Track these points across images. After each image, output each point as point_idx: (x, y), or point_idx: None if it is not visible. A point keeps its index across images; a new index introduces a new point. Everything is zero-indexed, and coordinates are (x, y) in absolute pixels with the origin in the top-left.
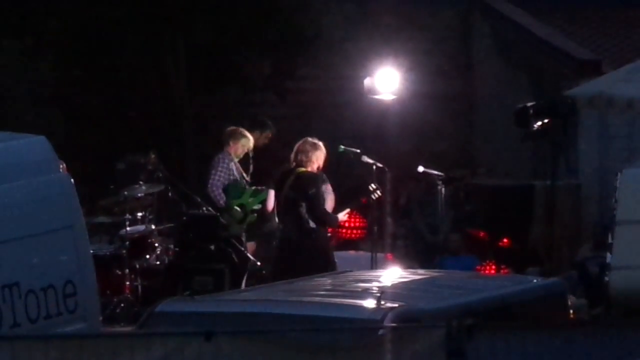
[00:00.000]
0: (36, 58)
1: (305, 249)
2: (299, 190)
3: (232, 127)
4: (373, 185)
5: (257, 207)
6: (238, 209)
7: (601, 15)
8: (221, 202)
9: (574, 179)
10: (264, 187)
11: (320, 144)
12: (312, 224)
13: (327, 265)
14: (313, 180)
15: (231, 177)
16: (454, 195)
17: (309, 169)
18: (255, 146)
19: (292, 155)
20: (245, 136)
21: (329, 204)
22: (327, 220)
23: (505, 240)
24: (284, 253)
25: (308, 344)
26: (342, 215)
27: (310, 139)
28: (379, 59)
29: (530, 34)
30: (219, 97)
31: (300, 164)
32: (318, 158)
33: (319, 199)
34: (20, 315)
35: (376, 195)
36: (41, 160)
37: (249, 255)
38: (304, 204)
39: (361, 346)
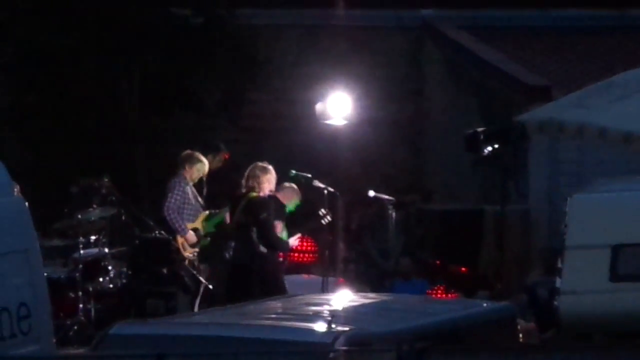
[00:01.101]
0: None
1: (256, 273)
2: (250, 215)
3: (188, 151)
4: (323, 210)
5: (211, 230)
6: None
7: (551, 42)
8: (176, 225)
9: (523, 204)
10: (217, 211)
11: (270, 167)
12: (262, 249)
13: (277, 290)
14: (264, 205)
15: (186, 201)
16: (404, 219)
17: (260, 194)
18: (209, 170)
19: (243, 181)
20: (200, 160)
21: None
22: (277, 245)
23: (455, 264)
24: (235, 277)
25: None
26: (293, 240)
27: (260, 164)
28: (330, 83)
29: (480, 60)
30: (171, 121)
31: (251, 188)
32: (269, 182)
33: (270, 223)
34: None
35: (326, 220)
36: None
37: (201, 278)
38: (254, 229)
39: None
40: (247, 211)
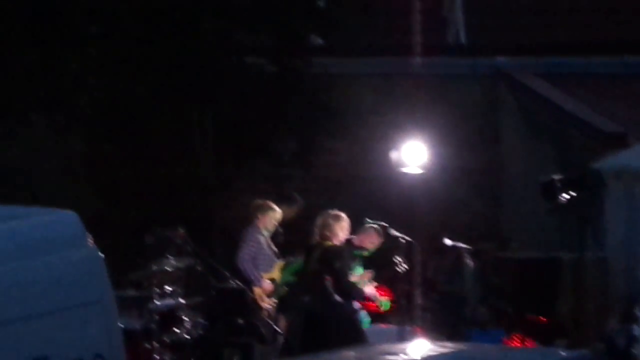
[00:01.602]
0: (66, 133)
1: (332, 323)
2: (325, 264)
3: (260, 201)
4: (398, 258)
5: (290, 279)
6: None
7: (627, 88)
8: (250, 275)
9: (600, 252)
10: (294, 259)
11: (343, 215)
12: (337, 298)
13: (356, 338)
14: (338, 253)
15: (261, 250)
16: (481, 268)
17: (334, 242)
18: (283, 220)
19: (316, 230)
20: (273, 209)
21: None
22: (353, 293)
23: (532, 312)
24: (310, 327)
25: None
26: (368, 289)
27: (332, 212)
28: (405, 132)
29: (556, 107)
30: (246, 171)
31: (325, 237)
32: (342, 230)
33: (345, 272)
34: None
35: (402, 269)
36: (71, 235)
37: (277, 328)
38: (329, 278)
39: None
40: (322, 260)
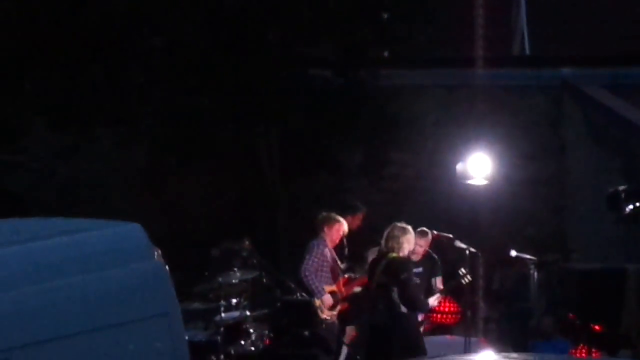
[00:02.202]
0: (131, 146)
1: (397, 334)
2: (391, 275)
3: (325, 213)
4: (463, 270)
5: (357, 290)
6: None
7: None
8: (312, 287)
9: None
10: (357, 276)
11: (409, 228)
12: (403, 309)
13: (418, 350)
14: (404, 265)
15: (325, 263)
16: (546, 279)
17: (400, 254)
18: (348, 231)
19: (383, 242)
20: (338, 221)
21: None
22: (418, 305)
23: (597, 323)
24: (375, 338)
25: None
26: (433, 300)
27: (399, 224)
28: (470, 143)
29: (622, 118)
30: (312, 183)
31: (391, 249)
32: (408, 242)
33: (410, 283)
34: None
35: (466, 280)
36: (136, 248)
37: (343, 340)
38: (395, 289)
39: None
40: (388, 271)
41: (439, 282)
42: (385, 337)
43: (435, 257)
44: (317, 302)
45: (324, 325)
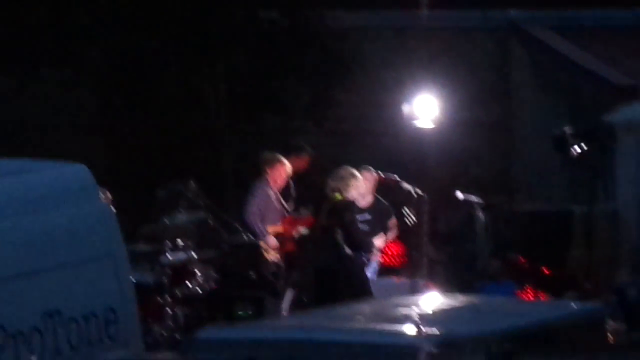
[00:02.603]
0: (76, 87)
1: (343, 276)
2: (335, 217)
3: (269, 154)
4: (406, 209)
5: (304, 231)
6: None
7: (639, 41)
8: (256, 229)
9: (612, 204)
10: (301, 215)
11: (357, 173)
12: (348, 251)
13: (364, 291)
14: (348, 207)
15: (269, 204)
16: (492, 221)
17: (346, 197)
18: (294, 171)
19: (328, 184)
20: (281, 161)
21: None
22: (363, 246)
23: (543, 265)
24: (321, 280)
25: None
26: (379, 241)
27: (346, 167)
28: (417, 85)
29: (568, 60)
30: (258, 124)
31: (336, 191)
32: (356, 187)
33: (355, 225)
34: (62, 342)
35: (410, 220)
36: (82, 189)
37: (288, 282)
38: (340, 231)
39: None
40: (332, 213)
41: (392, 225)
42: (331, 279)
43: (384, 201)
44: (262, 244)
45: (270, 267)
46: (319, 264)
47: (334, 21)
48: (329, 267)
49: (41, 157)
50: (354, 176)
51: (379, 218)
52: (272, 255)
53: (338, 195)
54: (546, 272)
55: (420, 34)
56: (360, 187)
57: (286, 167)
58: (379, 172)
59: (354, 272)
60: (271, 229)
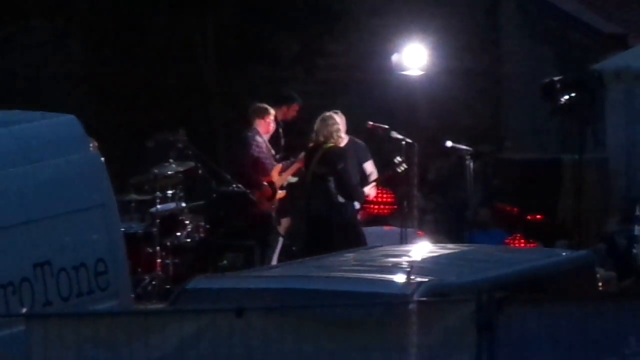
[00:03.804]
0: (66, 38)
1: (334, 224)
2: (327, 165)
3: (257, 104)
4: (399, 158)
5: (293, 180)
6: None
7: None
8: (249, 178)
9: (601, 153)
10: (291, 161)
11: (340, 114)
12: (340, 199)
13: (356, 240)
14: (341, 155)
15: (260, 154)
16: (482, 169)
17: (337, 144)
18: (284, 120)
19: (315, 132)
20: (269, 111)
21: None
22: (355, 194)
23: (533, 213)
24: (313, 229)
25: (338, 319)
26: (369, 189)
27: (333, 114)
28: (406, 35)
29: (556, 8)
30: (247, 74)
31: (327, 139)
32: (339, 132)
33: (347, 173)
34: (52, 293)
35: (402, 168)
36: (72, 139)
37: (279, 231)
38: (332, 179)
39: (391, 321)
40: (324, 161)
41: (369, 166)
42: (323, 227)
43: (360, 141)
44: (257, 193)
45: (260, 217)
46: (310, 213)
47: None
48: (321, 215)
49: (31, 108)
50: (337, 123)
51: (355, 155)
52: (265, 205)
53: (329, 144)
54: (535, 220)
55: None
56: (344, 127)
57: (275, 116)
58: (369, 121)
59: (347, 220)
60: (263, 178)
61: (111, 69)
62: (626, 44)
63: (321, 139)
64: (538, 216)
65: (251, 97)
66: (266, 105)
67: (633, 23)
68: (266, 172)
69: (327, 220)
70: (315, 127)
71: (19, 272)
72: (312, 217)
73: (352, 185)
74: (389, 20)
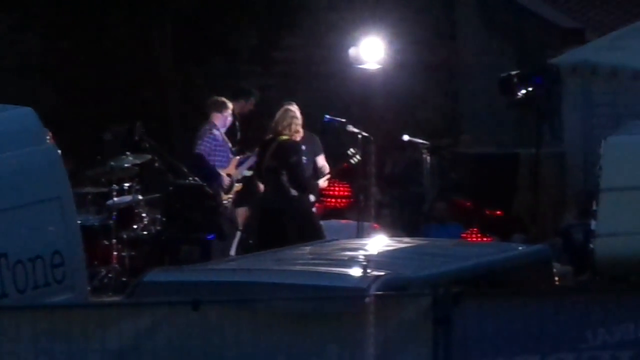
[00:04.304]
0: (24, 30)
1: (288, 217)
2: (280, 158)
3: (215, 97)
4: (352, 149)
5: (249, 173)
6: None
7: None
8: (206, 171)
9: (558, 147)
10: (247, 155)
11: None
12: (293, 192)
13: (313, 233)
14: (294, 148)
15: (217, 147)
16: (439, 163)
17: (294, 136)
18: (240, 114)
19: (273, 124)
20: (227, 105)
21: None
22: (308, 187)
23: (490, 207)
24: (267, 221)
25: (295, 313)
26: (322, 182)
27: (289, 107)
28: (363, 28)
29: (514, 3)
30: (204, 67)
31: (282, 132)
32: (297, 125)
33: (300, 166)
34: (9, 285)
35: (355, 160)
36: (28, 131)
37: (236, 224)
38: (285, 172)
39: (348, 314)
40: (277, 154)
41: (321, 160)
42: (276, 220)
43: (314, 135)
44: (214, 186)
45: (222, 209)
46: (264, 205)
47: None
48: (274, 208)
49: None
50: (297, 117)
51: (311, 149)
52: (223, 197)
53: (284, 136)
54: (492, 214)
55: None
56: (300, 125)
57: (232, 110)
58: (327, 114)
59: (301, 213)
60: (222, 170)
61: (69, 62)
62: (584, 38)
63: (280, 129)
64: (495, 210)
65: (209, 91)
66: (224, 99)
67: (591, 18)
68: (221, 165)
69: (280, 212)
70: (276, 117)
71: None
72: (265, 210)
73: (305, 179)
74: (346, 14)
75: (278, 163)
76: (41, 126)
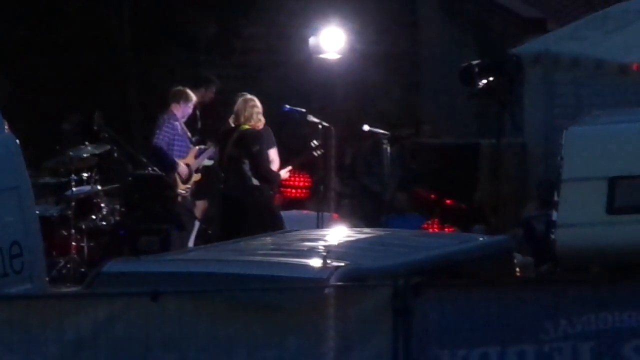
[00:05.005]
0: None
1: (249, 206)
2: (242, 148)
3: (177, 88)
4: (315, 142)
5: (209, 163)
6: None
7: None
8: (165, 161)
9: (519, 137)
10: (207, 146)
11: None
12: (255, 181)
13: (273, 223)
14: (256, 137)
15: (176, 137)
16: (399, 154)
17: (256, 126)
18: (201, 103)
19: (233, 115)
20: (187, 94)
21: (275, 166)
22: (269, 177)
23: (451, 198)
24: (228, 211)
25: (254, 303)
26: (284, 173)
27: (249, 96)
28: (323, 17)
29: None
30: (164, 57)
31: (244, 121)
32: (259, 114)
33: (262, 156)
34: None
35: (318, 152)
36: None
37: (195, 214)
38: (247, 162)
39: (307, 305)
40: (239, 144)
41: (273, 154)
42: (237, 208)
43: (269, 128)
44: (173, 176)
45: (182, 199)
46: (225, 195)
47: None
48: (236, 197)
49: None
50: (257, 106)
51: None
52: (181, 187)
53: (247, 125)
54: (453, 205)
55: None
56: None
57: (192, 99)
58: (286, 105)
59: (262, 203)
60: (181, 160)
61: (27, 51)
62: (545, 28)
63: (242, 119)
64: (455, 201)
65: (168, 80)
66: (186, 90)
67: (552, 7)
68: (181, 155)
69: (242, 201)
70: (236, 107)
71: None
72: (227, 198)
73: (267, 169)
74: (306, 3)
75: (240, 152)
76: None
